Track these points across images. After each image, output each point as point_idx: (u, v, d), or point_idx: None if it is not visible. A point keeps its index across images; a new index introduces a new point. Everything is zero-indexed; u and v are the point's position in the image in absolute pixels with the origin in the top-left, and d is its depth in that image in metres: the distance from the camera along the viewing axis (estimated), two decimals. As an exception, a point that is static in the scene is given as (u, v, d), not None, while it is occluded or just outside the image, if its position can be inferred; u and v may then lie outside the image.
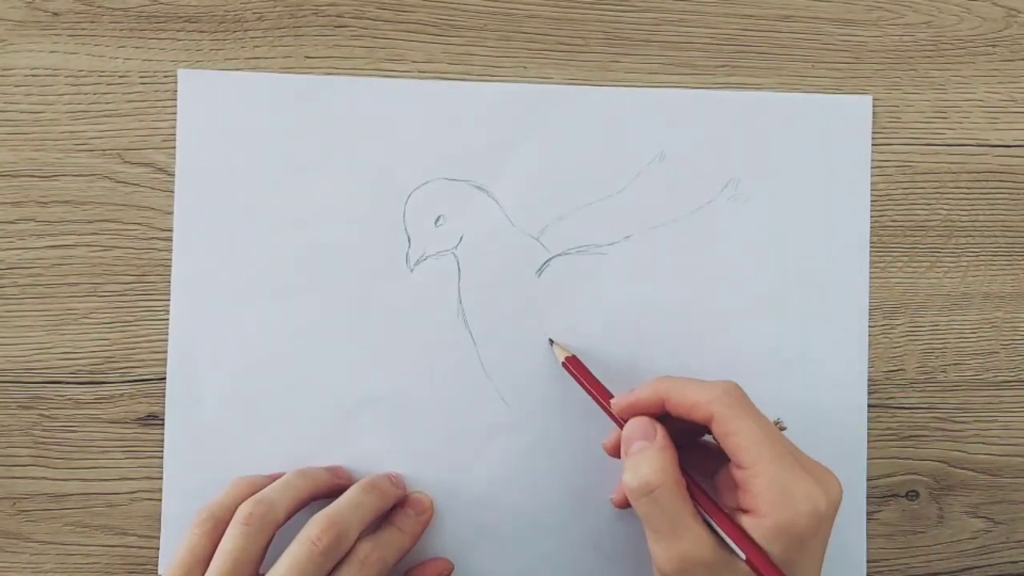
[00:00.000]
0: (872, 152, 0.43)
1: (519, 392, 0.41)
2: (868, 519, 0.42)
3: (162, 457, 0.40)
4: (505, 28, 0.42)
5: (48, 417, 0.41)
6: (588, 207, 0.42)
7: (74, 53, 0.41)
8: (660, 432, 0.35)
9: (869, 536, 0.43)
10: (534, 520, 0.41)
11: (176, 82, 0.41)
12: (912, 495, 0.43)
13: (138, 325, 0.41)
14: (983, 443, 0.43)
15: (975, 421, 0.43)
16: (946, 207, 0.43)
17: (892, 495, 0.43)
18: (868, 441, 0.42)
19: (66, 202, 0.41)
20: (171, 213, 0.41)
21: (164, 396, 0.40)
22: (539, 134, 0.42)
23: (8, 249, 0.41)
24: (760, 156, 0.42)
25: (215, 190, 0.41)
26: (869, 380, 0.43)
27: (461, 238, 0.41)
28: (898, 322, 0.43)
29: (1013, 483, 0.44)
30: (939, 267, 0.43)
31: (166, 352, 0.41)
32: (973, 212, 0.44)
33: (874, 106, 0.43)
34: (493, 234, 0.41)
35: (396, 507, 0.39)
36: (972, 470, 0.43)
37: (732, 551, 0.32)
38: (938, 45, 0.43)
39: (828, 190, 0.42)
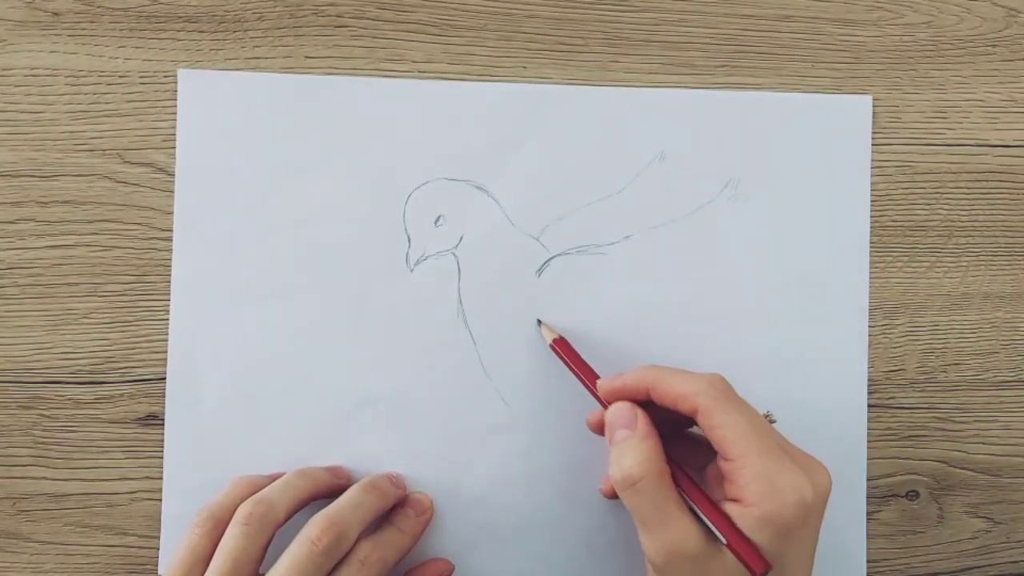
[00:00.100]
0: (872, 152, 0.43)
1: (519, 392, 0.41)
2: (868, 519, 0.42)
3: (162, 457, 0.40)
4: (505, 28, 0.42)
5: (48, 417, 0.41)
6: (588, 207, 0.42)
7: (74, 53, 0.41)
8: (642, 419, 0.35)
9: (869, 536, 0.43)
10: (534, 520, 0.41)
11: (176, 82, 0.41)
12: (912, 495, 0.43)
13: (138, 325, 0.41)
14: (983, 443, 0.43)
15: (975, 421, 0.43)
16: (946, 207, 0.43)
17: (892, 495, 0.43)
18: (868, 441, 0.42)
19: (66, 202, 0.41)
20: (171, 213, 0.41)
21: (164, 396, 0.40)
22: (539, 134, 0.42)
23: (8, 249, 0.41)
24: (760, 156, 0.42)
25: (215, 190, 0.41)
26: (869, 380, 0.43)
27: (461, 238, 0.41)
28: (898, 322, 0.43)
29: (1013, 483, 0.44)
30: (939, 267, 0.43)
31: (166, 352, 0.41)
32: (973, 212, 0.44)
33: (874, 106, 0.43)
34: (493, 234, 0.41)
35: (396, 507, 0.39)
36: (972, 470, 0.43)
37: (719, 541, 0.32)
38: (938, 45, 0.43)
39: (828, 190, 0.42)
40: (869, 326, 0.43)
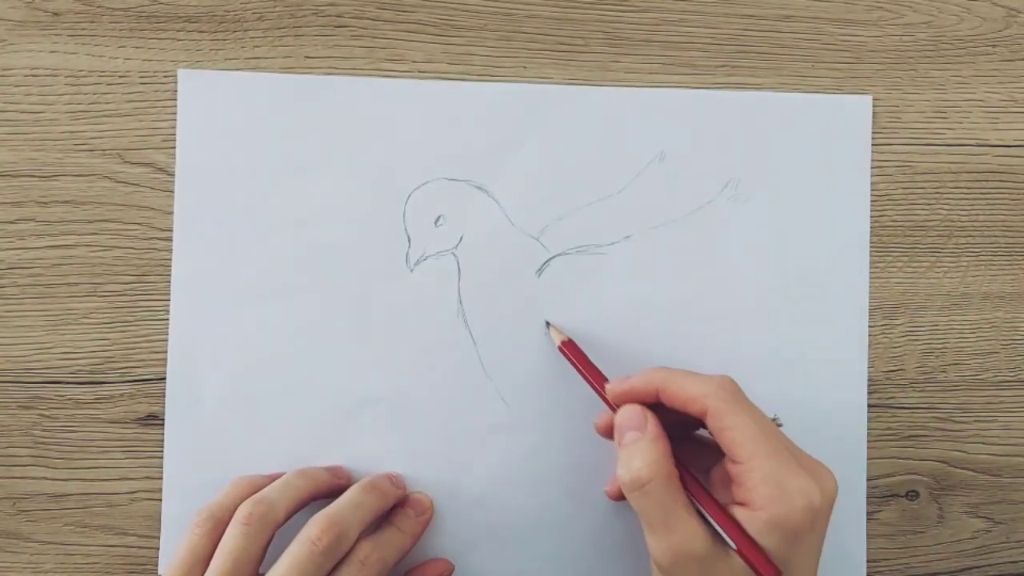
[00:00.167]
0: (872, 152, 0.43)
1: (519, 392, 0.41)
2: (868, 519, 0.42)
3: (162, 457, 0.40)
4: (505, 28, 0.42)
5: (48, 417, 0.41)
6: (588, 207, 0.42)
7: (74, 53, 0.41)
8: (651, 422, 0.35)
9: (869, 536, 0.43)
10: (534, 520, 0.41)
11: (176, 82, 0.41)
12: (912, 495, 0.43)
13: (138, 325, 0.41)
14: (983, 443, 0.43)
15: (975, 421, 0.43)
16: (946, 207, 0.43)
17: (892, 495, 0.43)
18: (868, 441, 0.42)
19: (66, 202, 0.41)
20: (171, 213, 0.41)
21: (164, 396, 0.40)
22: (539, 134, 0.42)
23: (8, 249, 0.41)
24: (760, 156, 0.42)
25: (215, 190, 0.41)
26: (869, 380, 0.43)
27: (461, 238, 0.41)
28: (898, 322, 0.43)
29: (1013, 483, 0.44)
30: (939, 267, 0.43)
31: (166, 352, 0.41)
32: (973, 212, 0.44)
33: (874, 106, 0.43)
34: (493, 234, 0.41)
35: (396, 507, 0.39)
36: (972, 470, 0.43)
37: (726, 543, 0.32)
38: (938, 45, 0.43)
39: (828, 190, 0.42)
40: (869, 326, 0.43)
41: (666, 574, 0.33)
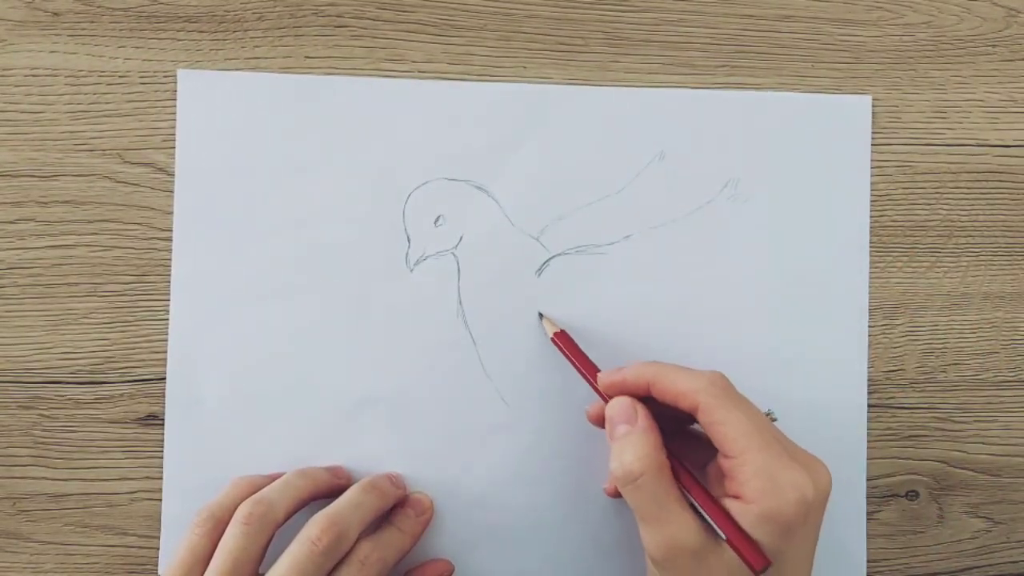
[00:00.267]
0: (872, 152, 0.43)
1: (519, 392, 0.41)
2: (868, 519, 0.42)
3: (162, 457, 0.40)
4: (505, 28, 0.42)
5: (48, 417, 0.41)
6: (588, 207, 0.42)
7: (74, 53, 0.41)
8: (642, 414, 0.35)
9: (869, 536, 0.43)
10: (534, 520, 0.41)
11: (176, 82, 0.41)
12: (912, 495, 0.43)
13: (138, 325, 0.41)
14: (983, 443, 0.43)
15: (975, 421, 0.43)
16: (946, 207, 0.43)
17: (892, 495, 0.43)
18: (868, 441, 0.42)
19: (66, 202, 0.41)
20: (171, 213, 0.41)
21: (164, 396, 0.40)
22: (539, 134, 0.42)
23: (8, 249, 0.41)
24: (760, 156, 0.42)
25: (215, 190, 0.41)
26: (869, 380, 0.43)
27: (461, 238, 0.41)
28: (898, 322, 0.43)
29: (1013, 483, 0.44)
30: (939, 267, 0.43)
31: (166, 352, 0.41)
32: (973, 212, 0.44)
33: (874, 106, 0.43)
34: (493, 234, 0.41)
35: (396, 507, 0.39)
36: (972, 470, 0.43)
37: (718, 536, 0.32)
38: (938, 45, 0.43)
39: (828, 190, 0.42)
40: (869, 326, 0.43)
41: (659, 567, 0.33)
